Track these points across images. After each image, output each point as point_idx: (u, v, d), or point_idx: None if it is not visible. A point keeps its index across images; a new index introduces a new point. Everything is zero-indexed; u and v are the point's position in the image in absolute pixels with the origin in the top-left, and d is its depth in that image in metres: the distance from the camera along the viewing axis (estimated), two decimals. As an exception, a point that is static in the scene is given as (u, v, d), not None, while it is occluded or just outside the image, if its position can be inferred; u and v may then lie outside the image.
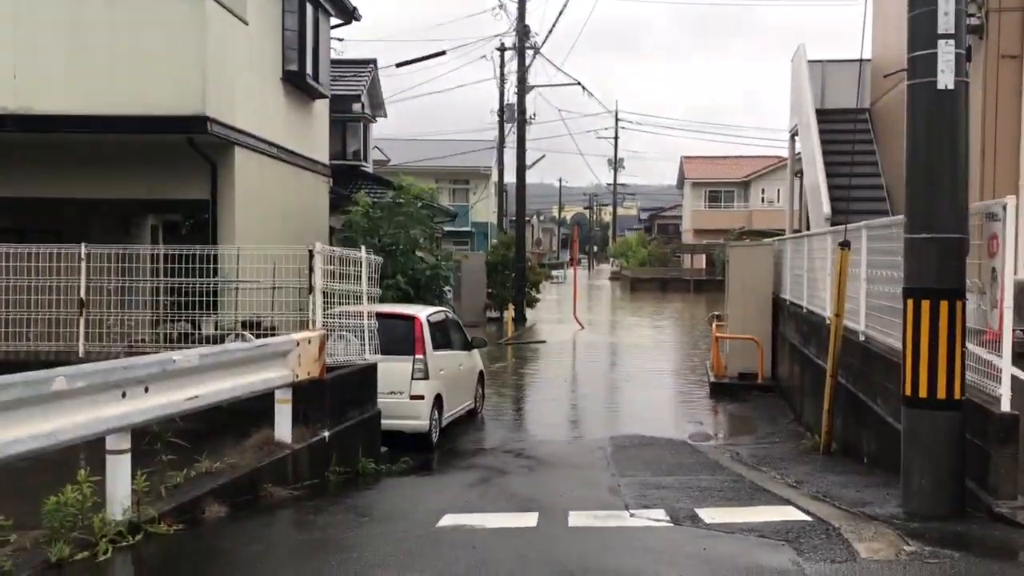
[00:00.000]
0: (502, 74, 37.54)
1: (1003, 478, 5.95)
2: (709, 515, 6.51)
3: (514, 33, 31.87)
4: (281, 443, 8.05)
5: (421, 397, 11.33)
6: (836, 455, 10.01)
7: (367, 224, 17.95)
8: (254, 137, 12.98)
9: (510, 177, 37.45)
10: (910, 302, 6.43)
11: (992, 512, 5.87)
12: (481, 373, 14.40)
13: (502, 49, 36.28)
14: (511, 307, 28.43)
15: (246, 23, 12.79)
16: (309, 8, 15.09)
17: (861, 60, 15.41)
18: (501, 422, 14.21)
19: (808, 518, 6.25)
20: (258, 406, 8.01)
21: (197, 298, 10.34)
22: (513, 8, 31.98)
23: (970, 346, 6.53)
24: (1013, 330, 6.26)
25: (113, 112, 11.18)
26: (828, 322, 10.95)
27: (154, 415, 6.32)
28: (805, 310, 13.59)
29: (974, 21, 11.37)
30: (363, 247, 11.37)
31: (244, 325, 10.37)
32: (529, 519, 6.74)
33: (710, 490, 7.86)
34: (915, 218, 6.53)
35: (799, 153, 20.63)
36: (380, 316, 10.71)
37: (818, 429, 10.69)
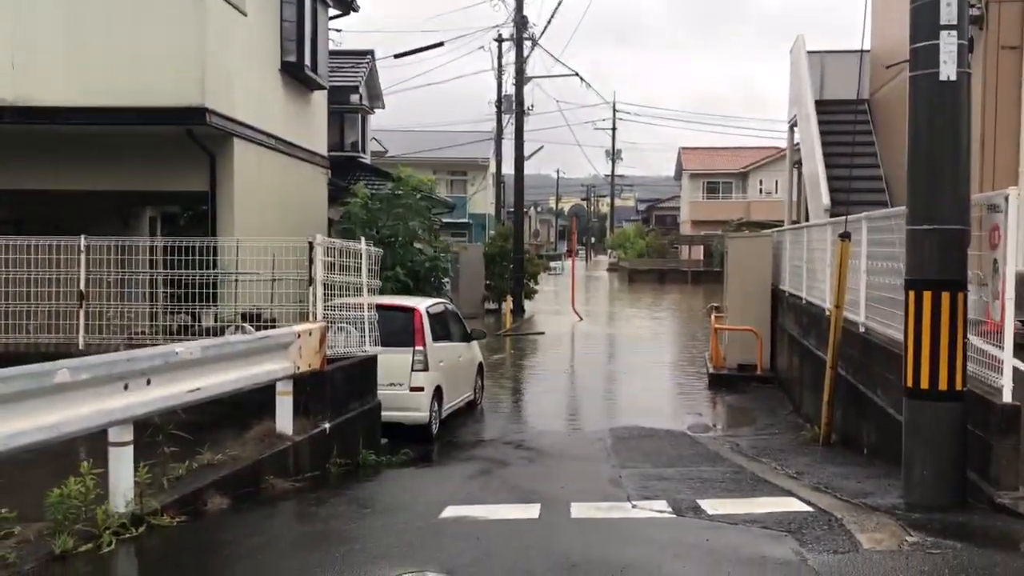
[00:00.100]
0: (500, 65, 37.45)
1: (1004, 469, 5.96)
2: (711, 506, 6.52)
3: (512, 24, 31.77)
4: (282, 435, 8.06)
5: (421, 389, 11.33)
6: (836, 446, 10.03)
7: (366, 216, 17.93)
8: (253, 128, 12.95)
9: (508, 168, 37.43)
10: (911, 293, 6.43)
11: (994, 503, 5.88)
12: (480, 364, 14.41)
13: (500, 40, 36.19)
14: (509, 299, 28.42)
15: (245, 14, 12.74)
16: (308, -1, 15.05)
17: (862, 51, 15.40)
18: (500, 413, 14.23)
19: (810, 509, 6.26)
20: (259, 398, 8.01)
21: (197, 290, 10.33)
22: (511, -1, 31.88)
23: (971, 338, 6.53)
24: (1014, 321, 6.26)
25: (112, 104, 11.14)
26: (828, 313, 10.96)
27: (156, 407, 6.32)
28: (804, 301, 13.60)
29: (974, 12, 11.35)
30: (363, 239, 11.36)
31: (244, 317, 10.35)
32: (531, 510, 6.75)
33: (711, 481, 7.87)
34: (917, 209, 6.53)
35: (798, 144, 20.63)
36: (380, 308, 10.70)
37: (817, 420, 10.71)
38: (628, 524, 6.29)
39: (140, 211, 16.19)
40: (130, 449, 5.99)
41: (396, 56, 27.36)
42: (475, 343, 14.11)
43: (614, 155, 78.53)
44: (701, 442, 11.39)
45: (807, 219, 18.29)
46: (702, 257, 53.87)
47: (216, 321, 10.40)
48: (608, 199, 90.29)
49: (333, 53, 20.47)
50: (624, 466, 9.15)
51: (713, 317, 18.41)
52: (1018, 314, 6.20)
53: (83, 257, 10.32)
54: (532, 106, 36.30)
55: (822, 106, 18.65)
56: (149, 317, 10.84)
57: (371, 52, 25.73)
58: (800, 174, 20.70)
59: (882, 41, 17.61)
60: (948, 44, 6.25)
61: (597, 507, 6.82)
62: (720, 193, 61.87)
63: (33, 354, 9.14)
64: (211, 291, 10.49)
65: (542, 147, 56.43)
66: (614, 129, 76.27)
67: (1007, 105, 11.45)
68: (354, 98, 23.70)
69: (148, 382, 6.22)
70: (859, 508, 6.23)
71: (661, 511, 6.53)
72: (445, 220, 33.37)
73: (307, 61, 15.00)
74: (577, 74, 37.54)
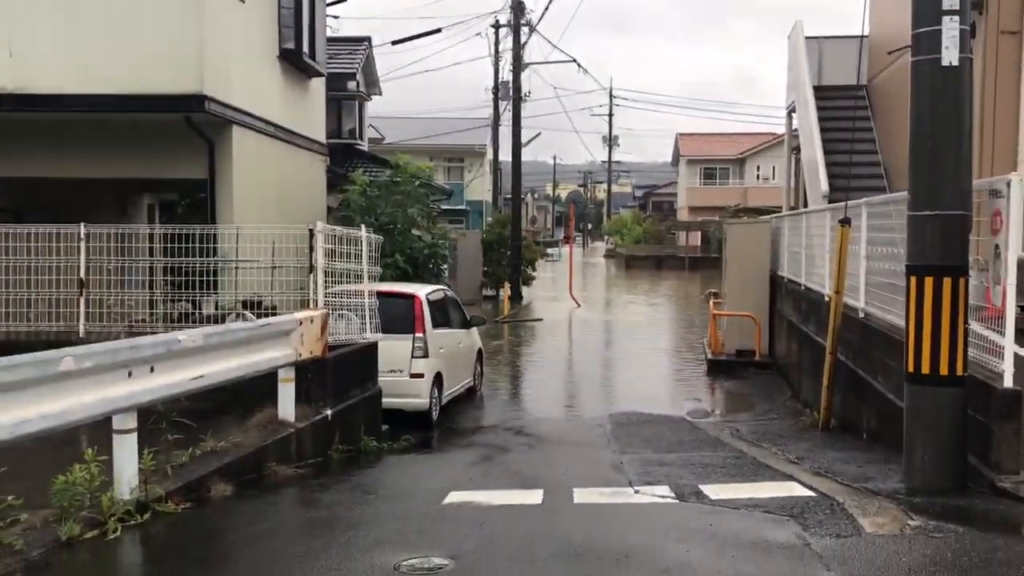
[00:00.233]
0: (497, 52, 37.38)
1: (1005, 453, 5.99)
2: (713, 491, 6.56)
3: (509, 10, 31.66)
4: (284, 422, 8.08)
5: (421, 375, 11.36)
6: (835, 431, 10.07)
7: (365, 203, 17.92)
8: (251, 116, 12.92)
9: (505, 155, 37.39)
10: (913, 279, 6.45)
11: (995, 487, 5.92)
12: (480, 351, 14.43)
13: (497, 26, 36.09)
14: (507, 285, 28.43)
15: (243, 1, 12.69)
16: (305, -15, 14.98)
17: (862, 36, 15.37)
18: (500, 400, 14.27)
19: (812, 494, 6.30)
20: (261, 385, 8.03)
21: (197, 278, 10.32)
22: (508, -16, 31.75)
23: (972, 324, 6.55)
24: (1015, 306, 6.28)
25: (110, 91, 11.11)
26: (827, 299, 10.98)
27: (160, 395, 6.33)
28: (803, 287, 13.62)
29: (974, -3, 11.34)
30: (363, 226, 11.35)
31: (244, 305, 10.35)
32: (534, 496, 6.78)
33: (712, 466, 7.91)
34: (918, 195, 6.53)
35: (796, 130, 20.61)
36: (380, 295, 10.70)
37: (817, 406, 10.74)
38: (631, 509, 6.33)
39: (139, 199, 16.13)
40: (134, 436, 6.01)
41: (393, 43, 27.25)
42: (474, 330, 14.13)
43: (611, 141, 78.37)
44: (701, 428, 11.43)
45: (805, 205, 18.30)
46: (699, 243, 53.82)
47: (217, 309, 10.41)
48: (605, 185, 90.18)
49: (330, 40, 20.40)
50: (624, 452, 9.18)
51: (711, 303, 18.44)
52: (1019, 299, 6.22)
53: (83, 245, 10.31)
54: (529, 92, 36.18)
55: (820, 92, 18.64)
56: (149, 305, 10.84)
57: (368, 39, 25.64)
58: (798, 160, 20.69)
59: (881, 27, 17.57)
60: (950, 29, 6.24)
61: (599, 492, 6.86)
62: (717, 179, 61.79)
63: (34, 342, 9.15)
64: (211, 279, 10.48)
65: (539, 134, 56.21)
66: (611, 115, 76.14)
67: (1006, 90, 11.45)
68: (351, 85, 23.62)
69: (151, 370, 6.23)
70: (860, 492, 6.26)
71: (663, 496, 6.57)
72: (443, 207, 33.34)
73: (305, 48, 14.95)
74: (575, 60, 37.55)
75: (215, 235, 10.69)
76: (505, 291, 27.94)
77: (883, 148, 17.15)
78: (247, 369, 7.45)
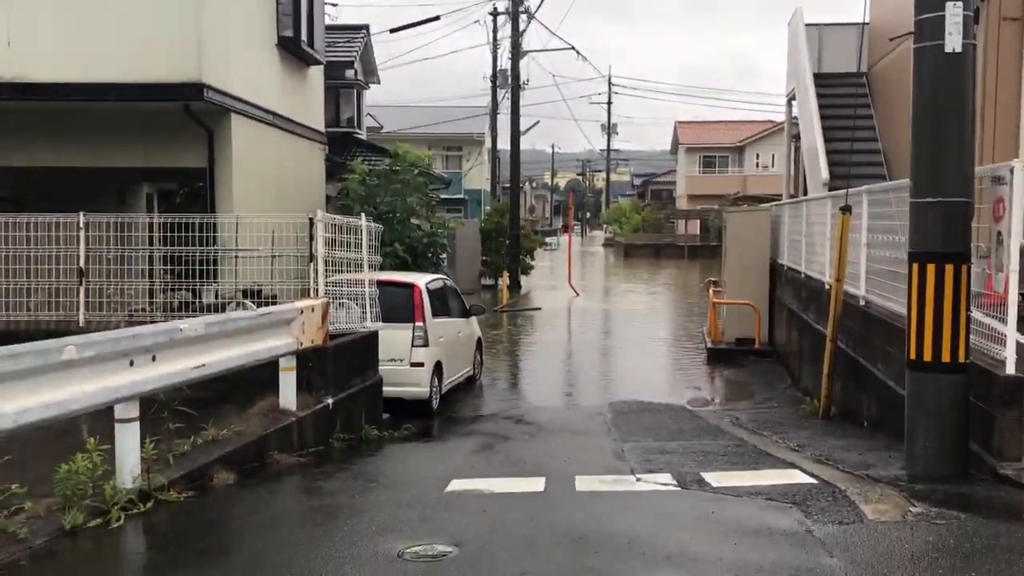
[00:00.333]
0: (495, 39, 37.29)
1: (1007, 440, 6.00)
2: (715, 479, 6.57)
3: (508, -3, 31.56)
4: (286, 411, 8.08)
5: (421, 364, 11.36)
6: (835, 419, 10.08)
7: (364, 192, 17.87)
8: (250, 104, 12.87)
9: (503, 144, 37.34)
10: (915, 266, 6.44)
11: (996, 474, 5.93)
12: (479, 340, 14.43)
13: (495, 14, 36.00)
14: (506, 274, 28.42)
15: (240, -12, 12.64)
16: (303, -28, 14.91)
17: (863, 23, 15.33)
18: (500, 388, 14.28)
19: (814, 481, 6.31)
20: (262, 374, 8.02)
21: (196, 267, 10.31)
22: (507, -28, 31.65)
23: (974, 311, 6.55)
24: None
25: (108, 80, 11.07)
26: (827, 287, 10.99)
27: (162, 384, 6.33)
28: (803, 275, 13.62)
29: (976, -17, 11.29)
30: (363, 215, 11.33)
31: (244, 294, 10.35)
32: (536, 484, 6.78)
33: (714, 454, 7.92)
34: (921, 182, 6.52)
35: (796, 118, 20.57)
36: (380, 284, 10.69)
37: (817, 394, 10.76)
38: (633, 497, 6.34)
39: (137, 188, 16.12)
40: (136, 425, 6.00)
41: (392, 31, 27.16)
42: (474, 319, 14.13)
43: (609, 129, 78.28)
44: (701, 416, 11.44)
45: (805, 193, 18.28)
46: (698, 232, 53.81)
47: (217, 298, 10.39)
48: (603, 174, 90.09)
49: (328, 28, 20.31)
50: (626, 440, 9.19)
51: (711, 291, 18.45)
52: (1021, 287, 6.21)
53: (82, 234, 10.29)
54: (528, 81, 36.16)
55: (821, 79, 18.58)
56: (149, 294, 10.83)
57: (366, 26, 25.51)
58: (798, 148, 20.66)
59: (881, 14, 17.51)
60: (954, 15, 6.22)
61: (601, 480, 6.86)
62: (716, 167, 61.71)
63: (34, 331, 9.15)
64: (211, 268, 10.47)
65: (538, 122, 56.02)
66: (609, 103, 76.03)
67: (1007, 76, 11.41)
68: (349, 73, 23.52)
69: (153, 359, 6.22)
70: (862, 480, 6.27)
71: (665, 484, 6.58)
72: (441, 196, 33.30)
73: (303, 36, 14.89)
74: (573, 47, 37.40)
75: (215, 224, 10.67)
76: (504, 280, 27.94)
77: (883, 136, 17.12)
78: (248, 358, 7.44)
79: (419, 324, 11.44)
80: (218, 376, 7.15)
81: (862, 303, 9.66)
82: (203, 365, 6.79)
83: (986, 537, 4.91)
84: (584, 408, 12.46)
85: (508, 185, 33.99)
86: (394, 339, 10.94)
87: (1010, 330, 6.09)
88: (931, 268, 6.31)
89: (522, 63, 32.21)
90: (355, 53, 23.85)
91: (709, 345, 16.90)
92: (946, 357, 6.26)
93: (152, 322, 8.47)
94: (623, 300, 29.10)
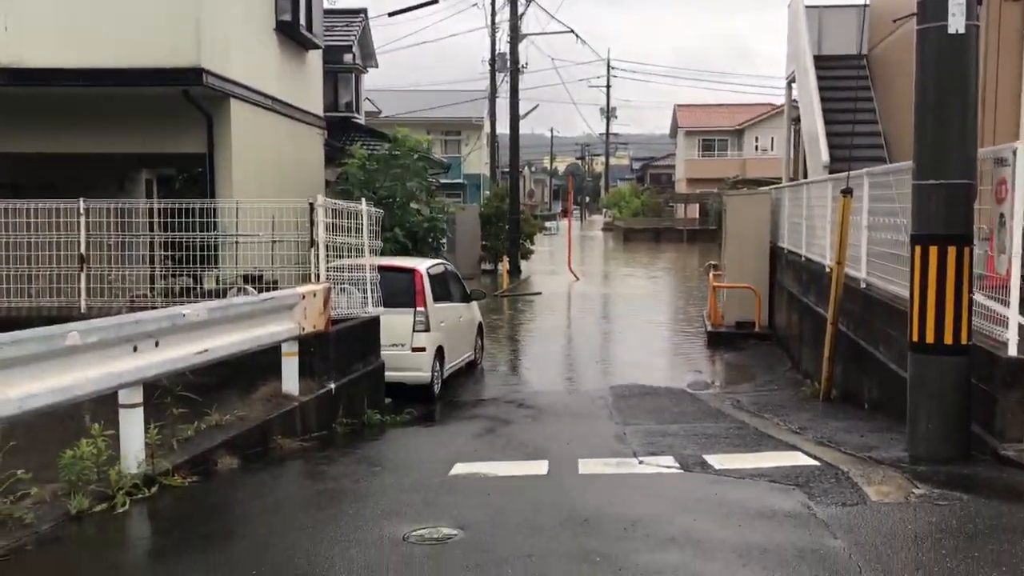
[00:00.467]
0: (493, 23, 37.11)
1: (1009, 422, 6.02)
2: (718, 461, 6.58)
3: (506, -20, 31.39)
4: (289, 395, 8.10)
5: (423, 349, 11.37)
6: (836, 402, 10.11)
7: (363, 177, 17.85)
8: (249, 89, 12.83)
9: (502, 128, 37.23)
10: (917, 248, 6.43)
11: (998, 455, 5.95)
12: (480, 325, 14.45)
13: (493, -3, 35.75)
14: (506, 259, 28.41)
15: (238, -28, 12.57)
16: (301, -44, 14.83)
17: (864, 5, 15.27)
18: (501, 373, 14.30)
19: (816, 463, 6.32)
20: (264, 359, 8.03)
21: (197, 253, 10.30)
22: (505, -45, 31.48)
23: (976, 294, 6.55)
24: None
25: (106, 65, 11.03)
26: (828, 270, 10.99)
27: (165, 369, 6.34)
28: (804, 258, 13.62)
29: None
30: (363, 200, 11.31)
31: (245, 279, 10.35)
32: (539, 467, 6.81)
33: (716, 437, 7.94)
34: (923, 164, 6.50)
35: (796, 101, 20.52)
36: (380, 269, 10.69)
37: (817, 376, 10.78)
38: (636, 479, 6.36)
39: (136, 174, 16.06)
40: (140, 411, 6.01)
41: (390, 14, 26.98)
42: (475, 304, 14.14)
43: (608, 113, 78.06)
44: (702, 399, 11.47)
45: (805, 176, 18.26)
46: (698, 216, 53.73)
47: (218, 283, 10.39)
48: (602, 158, 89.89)
49: (326, 11, 20.21)
50: (627, 423, 9.21)
51: (711, 275, 18.45)
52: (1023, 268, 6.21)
53: (83, 220, 10.27)
54: (527, 64, 35.93)
55: (821, 62, 18.52)
56: (150, 280, 10.83)
57: (364, 10, 25.41)
58: (798, 131, 20.62)
59: (881, -5, 17.43)
60: (958, -3, 6.18)
61: (604, 463, 6.88)
62: (716, 151, 61.56)
63: (35, 318, 9.15)
64: (211, 253, 10.46)
65: (537, 106, 55.96)
66: (608, 87, 75.79)
67: (1008, 58, 11.37)
68: (347, 58, 23.44)
69: (156, 344, 6.23)
70: (864, 462, 6.29)
71: (668, 467, 6.60)
72: (440, 181, 33.25)
73: (302, 20, 14.83)
74: (572, 31, 37.27)
75: (215, 209, 10.66)
76: (504, 265, 27.93)
77: (883, 118, 17.08)
78: (251, 343, 7.45)
79: (420, 309, 11.45)
80: (221, 361, 7.16)
81: (863, 286, 9.66)
82: (206, 350, 6.80)
83: (989, 518, 4.94)
84: (585, 392, 12.48)
85: (507, 170, 33.92)
86: (395, 324, 10.94)
87: (1013, 312, 6.10)
88: (934, 250, 6.30)
89: (521, 46, 32.13)
90: (353, 37, 23.76)
91: (709, 328, 16.92)
92: (948, 339, 6.26)
93: (153, 308, 8.48)
94: (623, 284, 29.11)
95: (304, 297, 8.29)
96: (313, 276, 9.61)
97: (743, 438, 7.91)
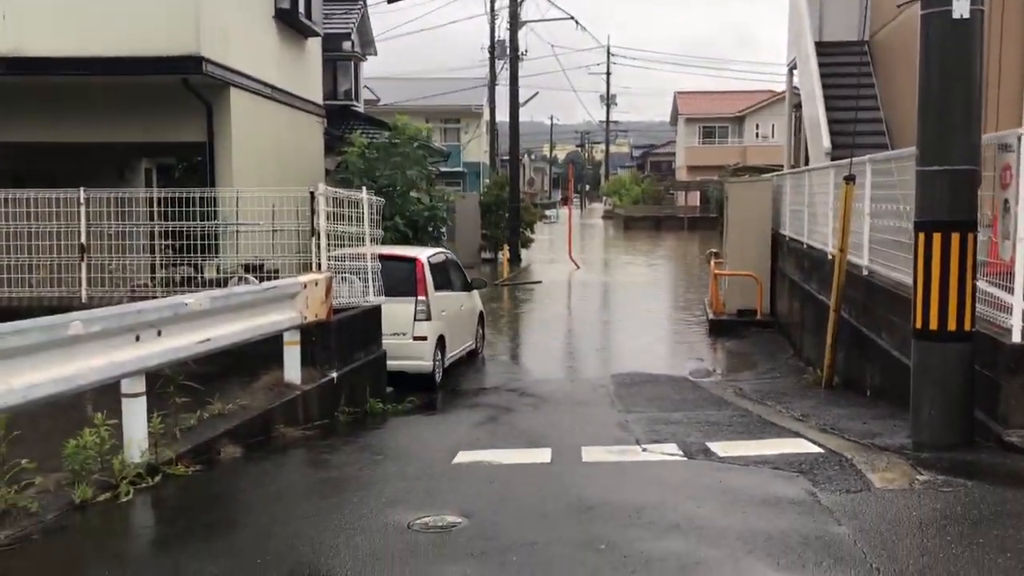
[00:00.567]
0: (493, 9, 37.00)
1: (1013, 408, 6.01)
2: (721, 448, 6.58)
3: (505, -33, 31.26)
4: (291, 384, 8.09)
5: (424, 338, 11.36)
6: (838, 389, 10.10)
7: (363, 165, 17.80)
8: (249, 77, 12.80)
9: (502, 116, 37.12)
10: (921, 235, 6.40)
11: (1002, 441, 5.94)
12: (481, 313, 14.44)
13: (493, -16, 35.60)
14: (506, 248, 28.38)
15: (237, -41, 12.51)
16: (300, -57, 14.76)
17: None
18: (502, 361, 14.31)
19: (820, 450, 6.32)
20: (266, 349, 8.03)
21: (197, 242, 10.28)
22: (504, -59, 31.35)
23: (980, 280, 6.53)
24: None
25: (106, 53, 11.00)
26: (830, 257, 10.97)
27: (168, 359, 6.33)
28: (806, 246, 13.60)
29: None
30: (364, 188, 11.29)
31: (246, 268, 10.34)
32: (543, 455, 6.81)
33: (718, 424, 7.94)
34: (927, 150, 6.47)
35: (797, 87, 20.45)
36: (381, 258, 10.67)
37: (819, 364, 10.77)
38: (640, 467, 6.36)
39: (136, 164, 16.06)
40: (143, 400, 6.01)
41: (388, 1, 26.88)
42: (476, 292, 14.13)
43: (608, 100, 77.84)
44: (703, 387, 11.47)
45: (807, 163, 18.21)
46: (698, 203, 53.67)
47: (218, 272, 10.38)
48: (602, 146, 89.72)
49: (325, -1, 20.14)
50: (629, 411, 9.22)
51: (712, 263, 18.43)
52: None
53: (83, 210, 10.25)
54: (526, 51, 35.83)
55: (822, 48, 18.43)
56: (150, 269, 10.82)
57: (363, -3, 25.29)
58: (799, 118, 20.55)
59: (883, -20, 17.34)
60: (962, -19, 6.14)
61: (608, 451, 6.89)
62: (716, 138, 61.43)
63: (36, 308, 9.11)
64: (212, 243, 10.45)
65: (537, 93, 55.73)
66: (608, 74, 75.58)
67: (1012, 42, 11.31)
68: (346, 45, 23.35)
69: (159, 333, 6.21)
70: (868, 448, 6.29)
71: (672, 454, 6.60)
72: (440, 169, 33.17)
73: (301, 8, 14.79)
74: (572, 17, 37.06)
75: (215, 199, 10.63)
76: (504, 254, 27.91)
77: (885, 104, 17.01)
78: (253, 332, 7.44)
79: (421, 298, 11.43)
80: (223, 350, 7.15)
81: (865, 273, 9.65)
82: (208, 340, 6.79)
83: (993, 504, 4.93)
84: (586, 380, 12.49)
85: (507, 158, 33.84)
86: (397, 313, 10.93)
87: (1017, 299, 6.09)
88: (937, 237, 6.27)
89: (520, 33, 32.02)
90: (352, 24, 23.67)
91: (710, 316, 16.91)
92: (952, 326, 6.25)
93: (154, 297, 8.47)
94: (623, 272, 29.10)
95: (306, 286, 8.28)
96: (314, 265, 9.60)
97: (746, 425, 7.92)
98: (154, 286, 10.40)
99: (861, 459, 5.92)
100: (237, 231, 10.62)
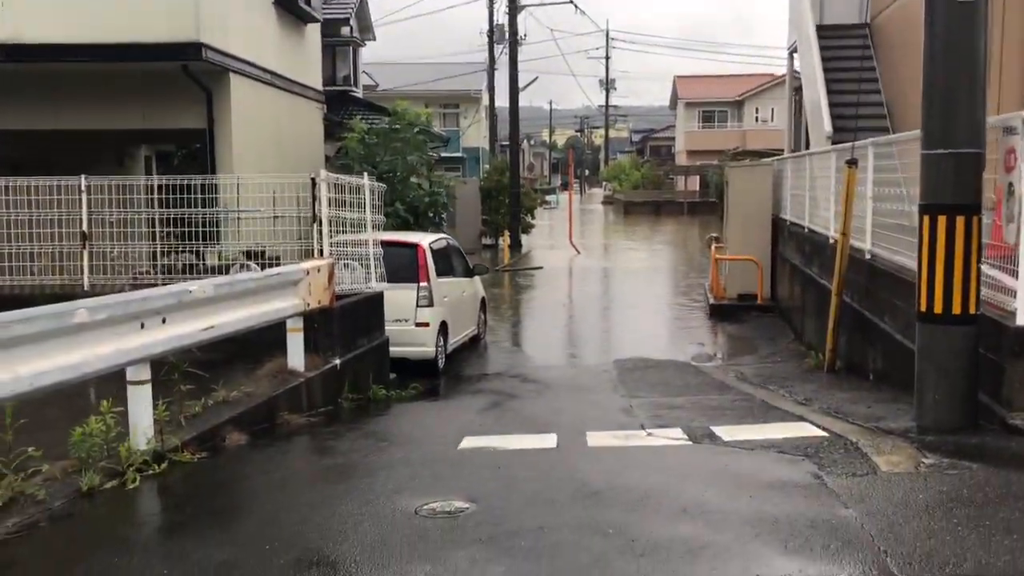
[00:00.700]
0: (492, -6, 36.72)
1: (1017, 391, 6.01)
2: (726, 432, 6.59)
3: (504, -49, 31.09)
4: (294, 371, 8.10)
5: (426, 324, 11.36)
6: (840, 373, 10.11)
7: (363, 151, 17.77)
8: (248, 63, 12.75)
9: (501, 101, 37.01)
10: (926, 218, 6.39)
11: (1006, 424, 5.95)
12: (483, 299, 14.44)
13: (491, -32, 35.43)
14: (507, 233, 28.35)
15: (236, -56, 12.45)
16: (298, -72, 14.67)
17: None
18: (504, 347, 14.31)
19: (825, 434, 6.33)
20: (269, 336, 8.03)
21: (199, 229, 10.27)
22: (502, -75, 31.16)
23: (984, 264, 6.53)
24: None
25: (105, 40, 10.96)
26: (832, 241, 10.96)
27: (172, 346, 6.32)
28: (807, 230, 13.58)
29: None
30: (365, 174, 11.26)
31: (248, 255, 10.33)
32: (548, 440, 6.83)
33: (722, 409, 7.96)
34: (932, 133, 6.44)
35: (798, 71, 20.37)
36: (383, 244, 10.66)
37: (820, 348, 10.78)
38: (645, 452, 6.37)
39: (136, 151, 16.02)
40: (148, 387, 6.01)
41: (387, -13, 26.72)
42: (477, 278, 14.12)
43: (608, 85, 77.58)
44: (706, 371, 11.49)
45: (807, 147, 18.16)
46: (698, 188, 53.58)
47: (220, 260, 10.37)
48: (601, 130, 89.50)
49: (324, -16, 20.04)
50: (633, 396, 9.24)
51: (713, 248, 18.42)
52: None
53: (84, 197, 10.23)
54: (525, 36, 35.70)
55: (823, 31, 18.35)
56: (152, 257, 10.81)
57: (361, -18, 25.18)
58: (799, 102, 20.48)
59: (884, -37, 17.26)
60: (967, -38, 6.10)
61: (613, 436, 6.90)
62: (716, 122, 61.26)
63: (39, 296, 9.09)
64: (213, 230, 10.43)
65: (536, 78, 55.58)
66: (607, 58, 75.37)
67: (1015, 24, 11.26)
68: (345, 31, 23.29)
69: (163, 321, 6.21)
70: (873, 432, 6.30)
71: (677, 439, 6.61)
72: (440, 154, 33.08)
73: (300, -7, 14.72)
74: (571, 1, 36.86)
75: (216, 185, 10.61)
76: (505, 239, 27.88)
77: (886, 88, 16.95)
78: (256, 319, 7.44)
79: (424, 284, 11.42)
80: (227, 338, 7.15)
81: (868, 256, 9.64)
82: (212, 327, 6.79)
83: (998, 486, 4.95)
84: (589, 366, 12.50)
85: (507, 143, 33.76)
86: (399, 299, 10.93)
87: (1021, 282, 6.08)
88: (942, 220, 6.26)
89: (519, 17, 31.89)
90: (350, 10, 23.60)
91: (711, 301, 16.91)
92: (956, 309, 6.24)
93: (156, 285, 8.46)
94: (624, 258, 29.09)
95: (309, 273, 8.27)
96: (316, 252, 9.59)
97: (750, 409, 7.93)
98: (156, 273, 10.40)
99: (866, 442, 5.93)
100: (238, 218, 10.60)
